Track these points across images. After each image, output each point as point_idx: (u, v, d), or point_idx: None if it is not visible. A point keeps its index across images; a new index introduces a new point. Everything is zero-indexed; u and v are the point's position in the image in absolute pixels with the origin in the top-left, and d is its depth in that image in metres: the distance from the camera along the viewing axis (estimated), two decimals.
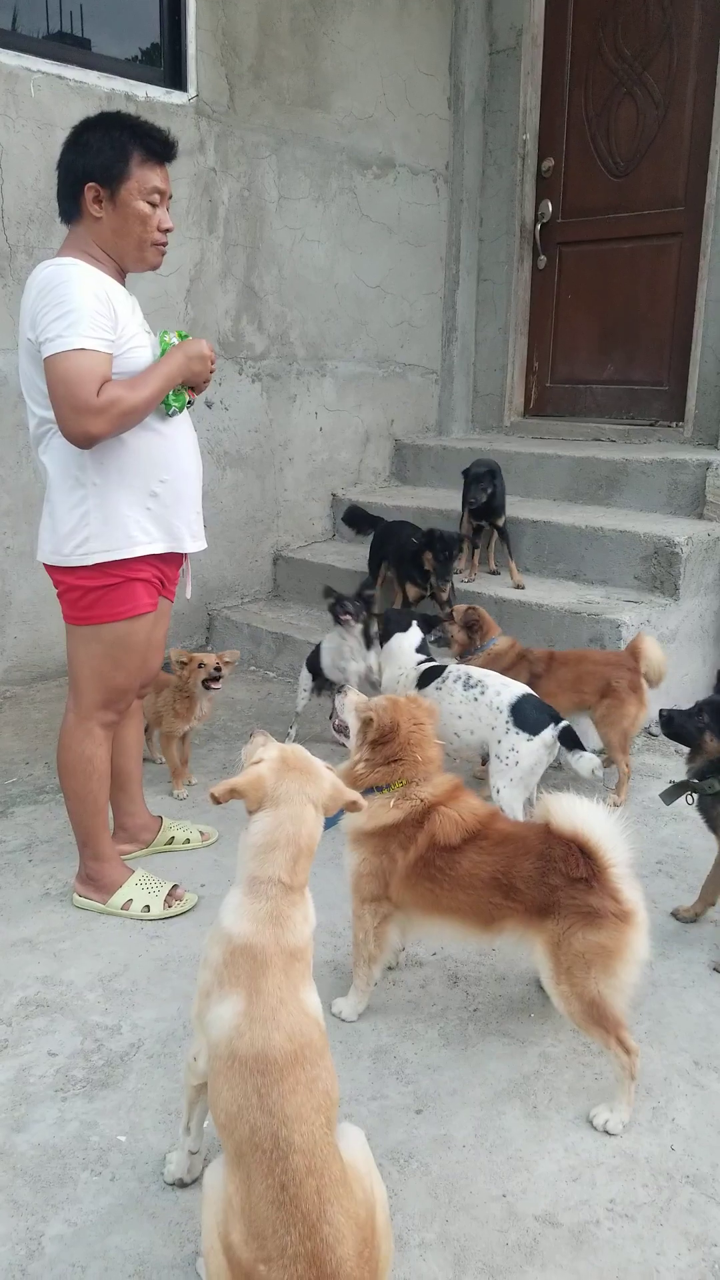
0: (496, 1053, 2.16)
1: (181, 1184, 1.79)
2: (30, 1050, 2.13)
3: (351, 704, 2.26)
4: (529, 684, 3.23)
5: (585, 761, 2.75)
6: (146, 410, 2.35)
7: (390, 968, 2.39)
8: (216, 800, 1.61)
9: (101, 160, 2.34)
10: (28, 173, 3.87)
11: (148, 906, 2.64)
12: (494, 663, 3.29)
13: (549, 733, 2.80)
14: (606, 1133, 1.94)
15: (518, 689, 2.91)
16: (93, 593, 2.45)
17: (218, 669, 3.15)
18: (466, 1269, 1.65)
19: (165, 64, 4.33)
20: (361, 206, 5.17)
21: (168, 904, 2.66)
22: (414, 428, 5.77)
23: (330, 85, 4.90)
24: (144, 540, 2.45)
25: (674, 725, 2.64)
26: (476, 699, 2.93)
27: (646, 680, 3.30)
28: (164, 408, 2.44)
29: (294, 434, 5.11)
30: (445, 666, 3.10)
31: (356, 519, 4.73)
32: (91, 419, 2.25)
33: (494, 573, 4.43)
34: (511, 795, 2.79)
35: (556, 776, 3.40)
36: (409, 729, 2.19)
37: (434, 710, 2.30)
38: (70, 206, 2.42)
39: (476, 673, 3.00)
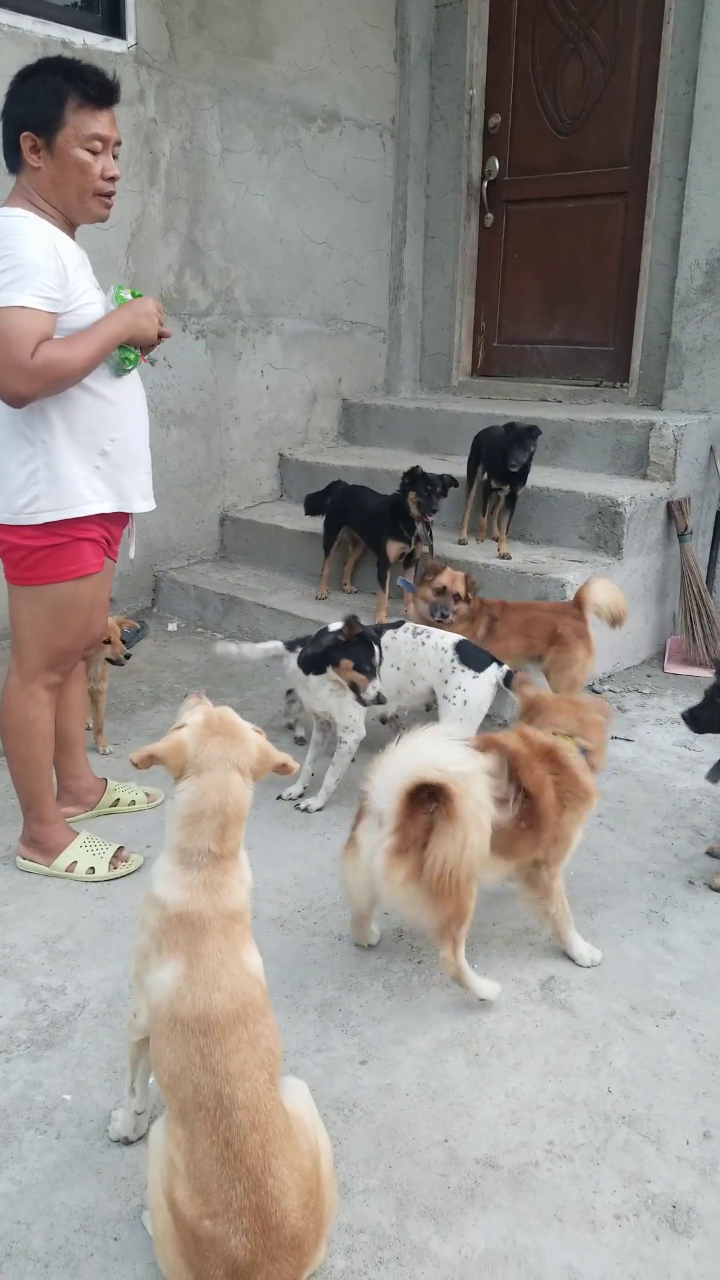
0: (440, 1003, 2.20)
1: (126, 1141, 1.80)
2: None
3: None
4: (489, 629, 3.36)
5: None
6: (86, 370, 2.29)
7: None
8: (136, 766, 1.58)
9: (37, 107, 2.26)
10: None
11: (92, 868, 2.63)
12: (465, 615, 3.35)
13: (494, 670, 2.96)
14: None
15: (454, 636, 3.08)
16: (38, 552, 2.40)
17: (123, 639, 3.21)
18: (409, 1212, 1.69)
19: (103, 10, 4.18)
20: (307, 160, 5.08)
21: (113, 865, 2.65)
22: (362, 387, 5.73)
23: (274, 35, 4.78)
24: (93, 499, 2.42)
25: (700, 721, 2.69)
26: (423, 643, 3.05)
27: (609, 622, 3.36)
28: (117, 366, 2.39)
29: (240, 393, 5.04)
30: (400, 621, 3.18)
31: (318, 504, 4.47)
32: (23, 380, 2.18)
33: (495, 539, 4.25)
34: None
35: None
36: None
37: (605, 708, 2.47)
38: (13, 157, 2.34)
39: (418, 626, 3.14)
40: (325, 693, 2.97)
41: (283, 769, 1.67)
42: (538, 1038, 2.10)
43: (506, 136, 5.43)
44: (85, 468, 2.39)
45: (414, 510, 3.90)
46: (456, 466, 4.36)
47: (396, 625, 3.15)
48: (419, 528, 3.97)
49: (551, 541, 4.24)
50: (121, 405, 2.44)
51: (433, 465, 4.41)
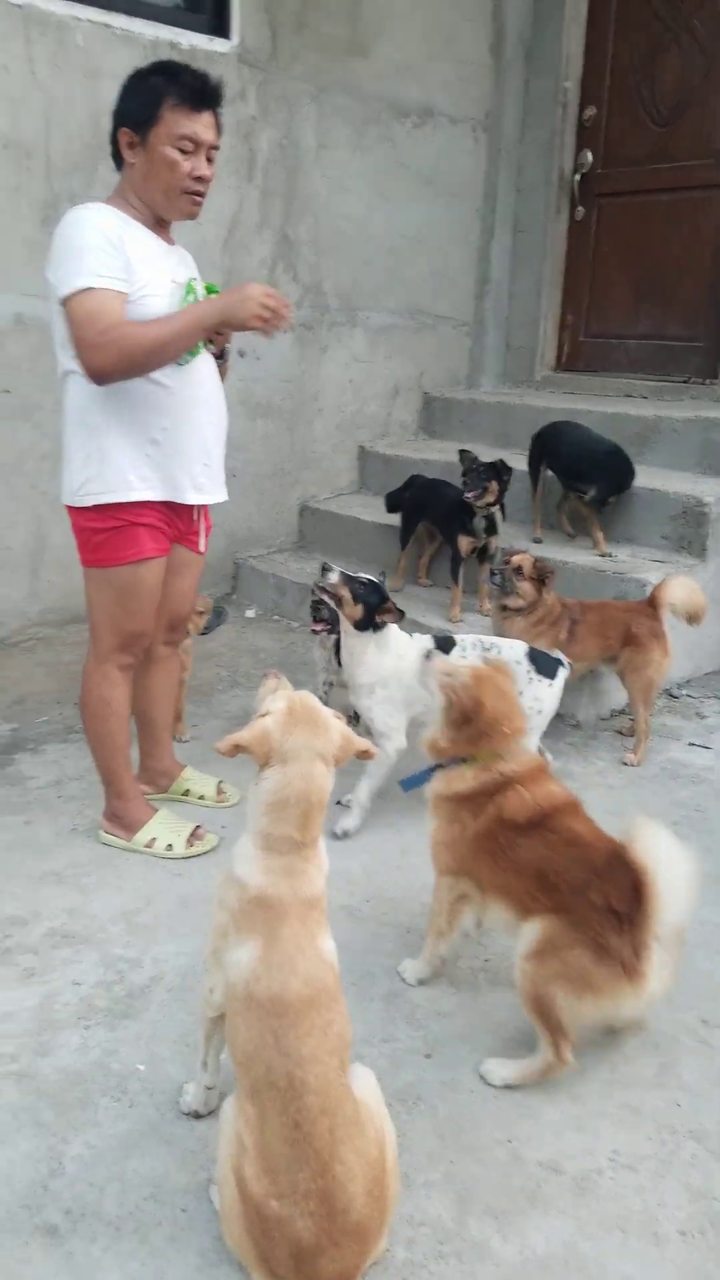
0: (506, 1003, 2.19)
1: (197, 1115, 1.85)
2: (56, 979, 2.21)
3: (435, 673, 2.14)
4: (570, 632, 3.30)
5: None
6: (162, 348, 2.29)
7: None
8: (223, 754, 1.61)
9: (136, 105, 2.35)
10: (73, 121, 3.86)
11: (170, 845, 2.70)
12: (547, 615, 3.30)
13: (563, 672, 2.91)
14: (484, 1080, 1.96)
15: (520, 644, 2.96)
16: (99, 535, 2.49)
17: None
18: (471, 1209, 1.71)
19: (209, 12, 4.27)
20: (399, 156, 5.08)
21: (190, 843, 2.71)
22: (444, 380, 5.72)
23: (372, 32, 4.80)
24: (140, 486, 2.47)
25: None
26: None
27: (686, 619, 3.32)
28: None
29: (324, 385, 5.08)
30: (450, 638, 2.96)
31: (398, 501, 4.47)
32: (95, 352, 2.26)
33: (571, 535, 4.27)
34: (532, 745, 2.81)
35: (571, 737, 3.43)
36: (495, 704, 2.07)
37: (510, 671, 2.24)
38: (115, 152, 2.44)
39: (484, 638, 2.97)
40: (365, 693, 2.86)
41: (365, 754, 1.70)
42: (604, 1044, 2.09)
43: (601, 129, 5.35)
44: (135, 455, 2.44)
45: (477, 506, 3.86)
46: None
47: (448, 645, 2.90)
48: (480, 520, 3.92)
49: (632, 540, 4.18)
50: (178, 395, 2.45)
51: (513, 460, 4.39)
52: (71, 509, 2.51)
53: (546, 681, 2.87)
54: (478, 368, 5.82)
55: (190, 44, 4.14)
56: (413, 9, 4.93)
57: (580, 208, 5.48)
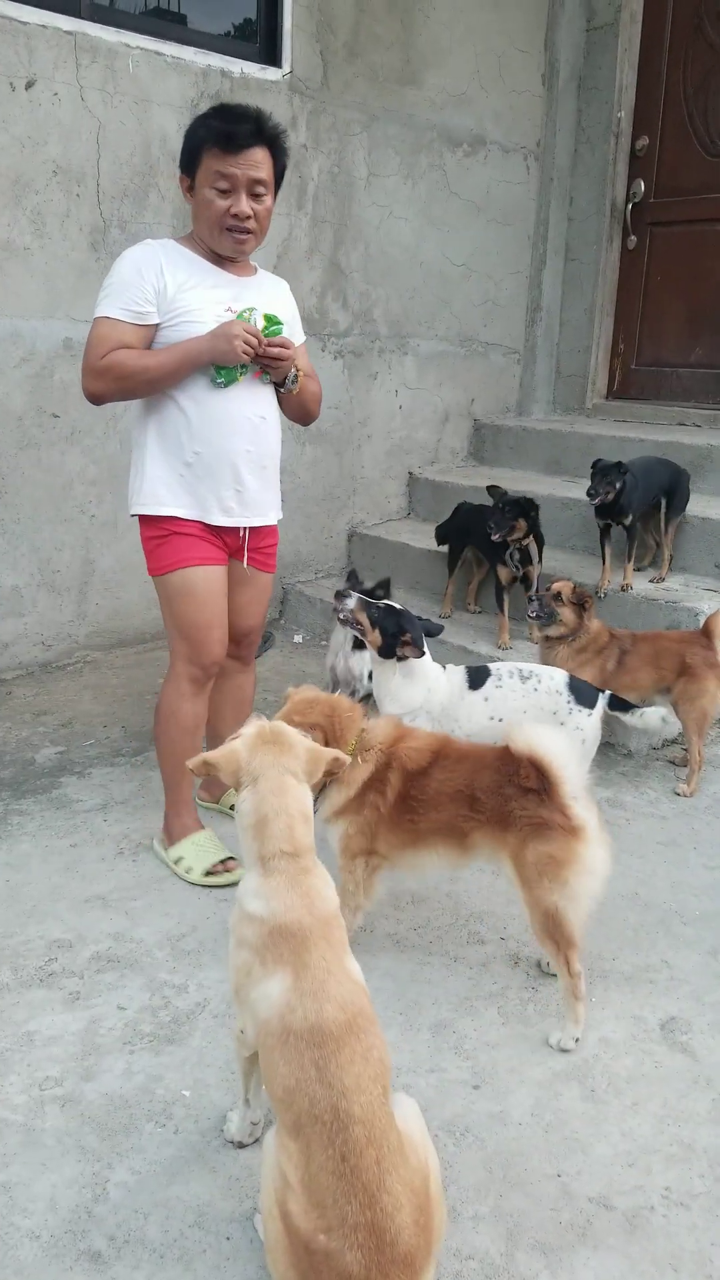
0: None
1: (240, 1145, 1.84)
2: (101, 1003, 2.21)
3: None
4: (619, 662, 3.25)
5: (650, 714, 2.83)
6: (154, 377, 2.50)
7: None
8: (194, 773, 1.69)
9: (186, 151, 2.53)
10: (124, 148, 3.93)
11: (190, 868, 2.72)
12: (591, 643, 3.26)
13: (602, 701, 2.86)
14: (561, 1050, 2.10)
15: (560, 672, 2.90)
16: (150, 542, 2.69)
17: None
18: (519, 1244, 1.67)
19: (261, 40, 4.34)
20: (450, 184, 5.12)
21: (213, 871, 2.70)
22: (494, 408, 5.72)
23: (424, 62, 4.86)
24: (170, 502, 2.64)
25: None
26: (535, 689, 2.83)
27: None
28: (211, 380, 2.56)
29: (374, 411, 5.11)
30: (485, 668, 2.90)
31: (447, 533, 4.47)
32: (91, 379, 2.52)
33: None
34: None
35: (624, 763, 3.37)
36: (325, 713, 2.24)
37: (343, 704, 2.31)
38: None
39: (523, 666, 2.89)
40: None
41: (335, 763, 1.78)
42: (656, 1079, 2.04)
43: (654, 158, 5.35)
44: (170, 473, 2.63)
45: (509, 540, 3.92)
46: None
47: (484, 674, 2.85)
48: (515, 550, 3.95)
49: (686, 569, 4.13)
50: (210, 423, 2.59)
51: (563, 488, 4.38)
52: (133, 516, 2.72)
53: (586, 711, 2.82)
54: (528, 395, 5.82)
55: (241, 72, 4.21)
56: (465, 38, 4.99)
57: (633, 236, 5.47)
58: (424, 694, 2.78)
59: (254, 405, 2.65)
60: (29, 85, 3.67)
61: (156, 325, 2.53)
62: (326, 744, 2.14)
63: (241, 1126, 1.83)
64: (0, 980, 2.27)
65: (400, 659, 2.74)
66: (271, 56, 4.35)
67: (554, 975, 2.25)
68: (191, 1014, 2.19)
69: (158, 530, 2.66)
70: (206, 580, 2.67)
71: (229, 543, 2.74)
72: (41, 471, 4.01)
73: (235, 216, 2.50)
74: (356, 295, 4.87)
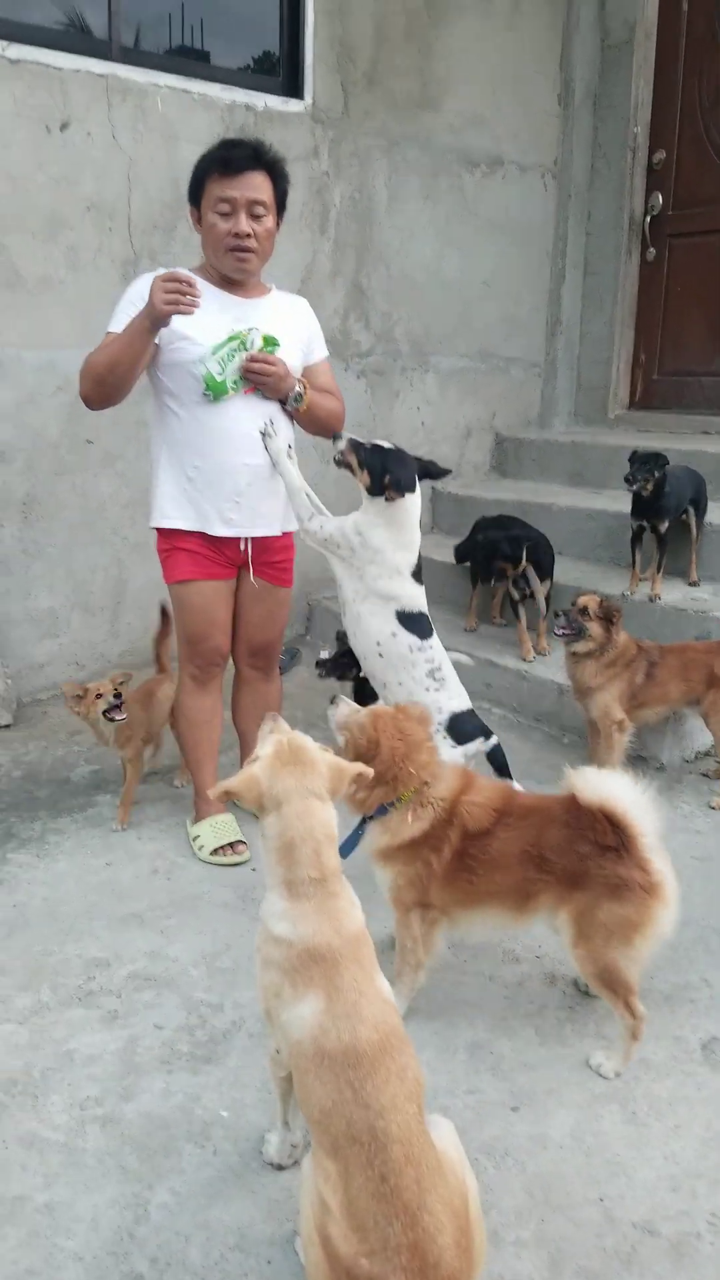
0: None
1: (280, 1167, 1.83)
2: (138, 1022, 2.22)
3: (337, 721, 2.17)
4: (647, 675, 3.20)
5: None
6: (110, 365, 2.56)
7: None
8: (218, 800, 1.65)
9: (191, 184, 2.67)
10: (153, 183, 4.02)
11: (203, 845, 2.91)
12: (619, 657, 3.22)
13: (475, 745, 2.71)
14: (599, 1074, 2.07)
15: (458, 699, 2.77)
16: (161, 554, 2.88)
17: (116, 695, 2.93)
18: (562, 1270, 1.65)
19: (283, 73, 4.42)
20: (469, 204, 5.16)
21: (219, 852, 2.88)
22: (515, 421, 5.73)
23: (442, 87, 4.91)
24: (174, 514, 2.78)
25: None
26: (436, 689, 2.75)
27: None
28: (205, 387, 2.66)
29: (396, 428, 5.13)
30: (428, 624, 2.82)
31: (467, 552, 4.46)
32: (79, 382, 2.67)
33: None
34: None
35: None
36: (391, 744, 2.08)
37: (425, 715, 2.20)
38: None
39: (452, 657, 2.86)
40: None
41: (359, 779, 1.74)
42: (699, 1100, 2.02)
43: (671, 171, 5.36)
44: (175, 487, 2.78)
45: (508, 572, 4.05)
46: (610, 500, 4.31)
47: (423, 628, 2.78)
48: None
49: (714, 579, 4.11)
50: (210, 436, 2.71)
51: (587, 499, 4.37)
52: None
53: (450, 743, 2.68)
54: (550, 408, 5.83)
55: (265, 105, 4.28)
56: (481, 62, 5.03)
57: (651, 249, 5.48)
58: (391, 561, 2.72)
59: (255, 420, 2.74)
60: (64, 127, 3.77)
61: (158, 346, 2.63)
62: (382, 782, 2.08)
63: (280, 1148, 1.83)
64: (40, 999, 2.28)
65: (388, 500, 2.66)
66: (294, 88, 4.43)
67: (593, 996, 2.23)
68: (228, 1033, 2.19)
69: (166, 543, 2.84)
70: (201, 595, 2.84)
71: (232, 555, 2.83)
72: (76, 496, 4.08)
73: (236, 236, 2.60)
74: (378, 316, 4.91)
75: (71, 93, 3.77)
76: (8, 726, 3.88)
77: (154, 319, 2.49)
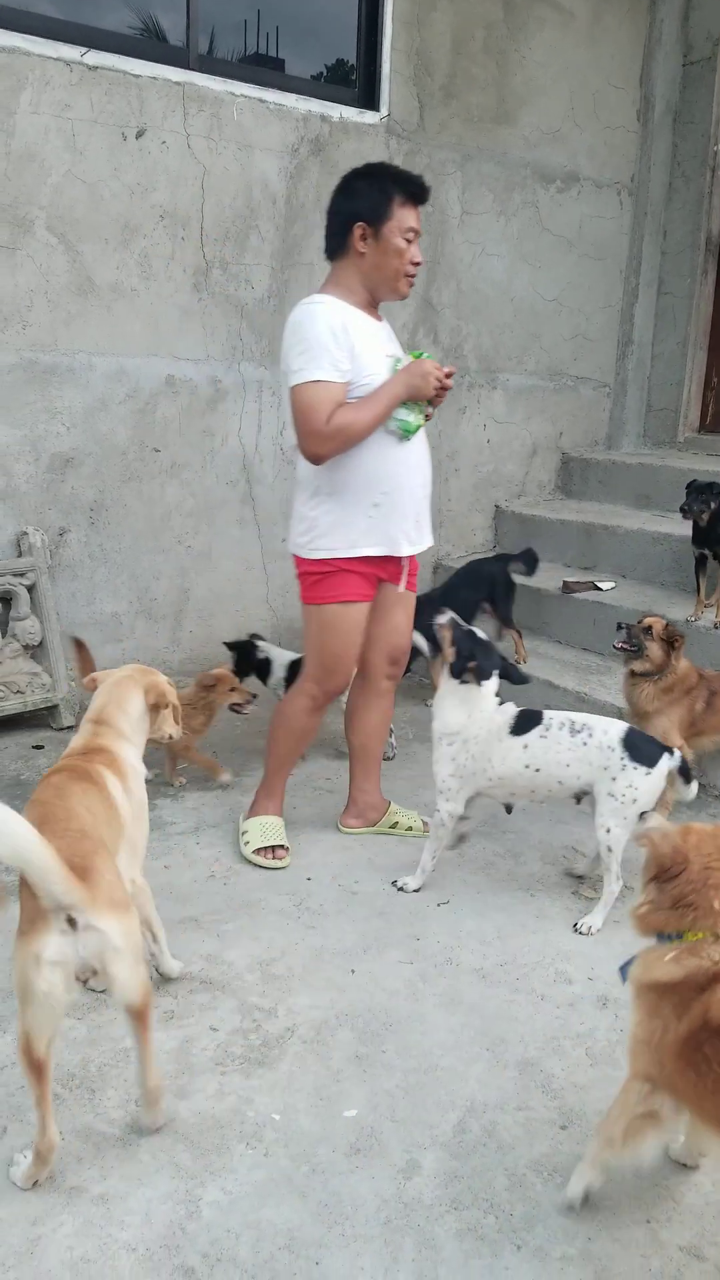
0: None
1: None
2: (194, 1024, 2.26)
3: (636, 833, 2.05)
4: (707, 703, 3.18)
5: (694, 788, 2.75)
6: (371, 429, 2.67)
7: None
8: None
9: (369, 203, 2.70)
10: (226, 192, 4.09)
11: (249, 843, 2.98)
12: (679, 683, 3.19)
13: (668, 762, 2.67)
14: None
15: (618, 724, 2.74)
16: (313, 576, 2.88)
17: (247, 701, 3.44)
18: None
19: (359, 85, 4.48)
20: (543, 220, 5.17)
21: (261, 853, 2.95)
22: (583, 441, 5.72)
23: (519, 101, 4.93)
24: (362, 543, 2.83)
25: None
26: (585, 743, 2.69)
27: None
28: (403, 432, 2.76)
29: (461, 445, 5.16)
30: (539, 713, 2.79)
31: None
32: (321, 443, 2.66)
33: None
34: (623, 835, 2.65)
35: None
36: (704, 865, 1.69)
37: None
38: (337, 244, 2.78)
39: (578, 717, 2.75)
40: (435, 743, 2.82)
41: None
42: None
43: None
44: (360, 516, 2.80)
45: None
46: (678, 524, 4.26)
47: (535, 720, 2.75)
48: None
49: None
50: (396, 465, 2.81)
51: (653, 522, 4.34)
52: (297, 557, 2.91)
53: (644, 770, 2.64)
54: (618, 428, 5.80)
55: (340, 116, 4.34)
56: (559, 77, 5.04)
57: None
58: (465, 719, 2.76)
59: (423, 444, 2.89)
60: (139, 134, 3.85)
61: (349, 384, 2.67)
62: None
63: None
64: (99, 996, 2.34)
65: (463, 682, 2.76)
66: (370, 100, 4.48)
67: None
68: (281, 1039, 2.23)
69: (329, 566, 2.84)
70: (355, 615, 2.91)
71: (390, 570, 2.93)
72: (142, 503, 4.16)
73: (415, 264, 2.75)
74: (448, 331, 4.94)
75: (148, 100, 3.85)
76: (71, 728, 3.98)
77: (415, 398, 2.71)
